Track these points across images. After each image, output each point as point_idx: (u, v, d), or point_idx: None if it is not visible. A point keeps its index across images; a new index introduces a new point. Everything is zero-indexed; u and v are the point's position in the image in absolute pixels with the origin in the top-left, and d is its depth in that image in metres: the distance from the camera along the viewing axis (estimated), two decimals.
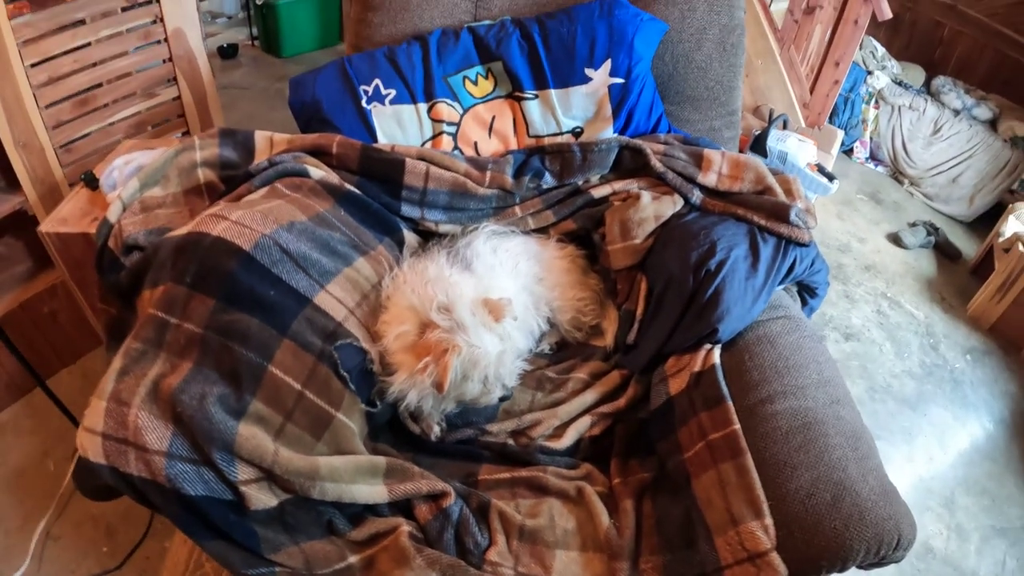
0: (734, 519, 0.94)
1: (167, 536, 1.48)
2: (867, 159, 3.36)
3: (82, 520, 1.51)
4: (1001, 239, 2.49)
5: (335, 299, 1.08)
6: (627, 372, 1.27)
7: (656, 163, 1.40)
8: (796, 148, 2.27)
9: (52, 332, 1.76)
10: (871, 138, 3.32)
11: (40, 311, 1.71)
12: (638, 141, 1.44)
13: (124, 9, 1.71)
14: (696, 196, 1.38)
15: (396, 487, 0.99)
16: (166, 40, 1.82)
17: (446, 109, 1.46)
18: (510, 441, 1.19)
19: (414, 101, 1.45)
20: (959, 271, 2.74)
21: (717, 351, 1.15)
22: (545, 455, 1.16)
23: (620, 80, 1.47)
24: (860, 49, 3.19)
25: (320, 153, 1.33)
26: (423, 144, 1.47)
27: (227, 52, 3.54)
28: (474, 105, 1.49)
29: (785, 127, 2.43)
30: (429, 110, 1.46)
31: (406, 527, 0.96)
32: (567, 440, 1.18)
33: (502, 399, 1.19)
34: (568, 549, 1.02)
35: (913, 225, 2.88)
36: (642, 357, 1.24)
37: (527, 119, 1.50)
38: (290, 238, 1.07)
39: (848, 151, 3.37)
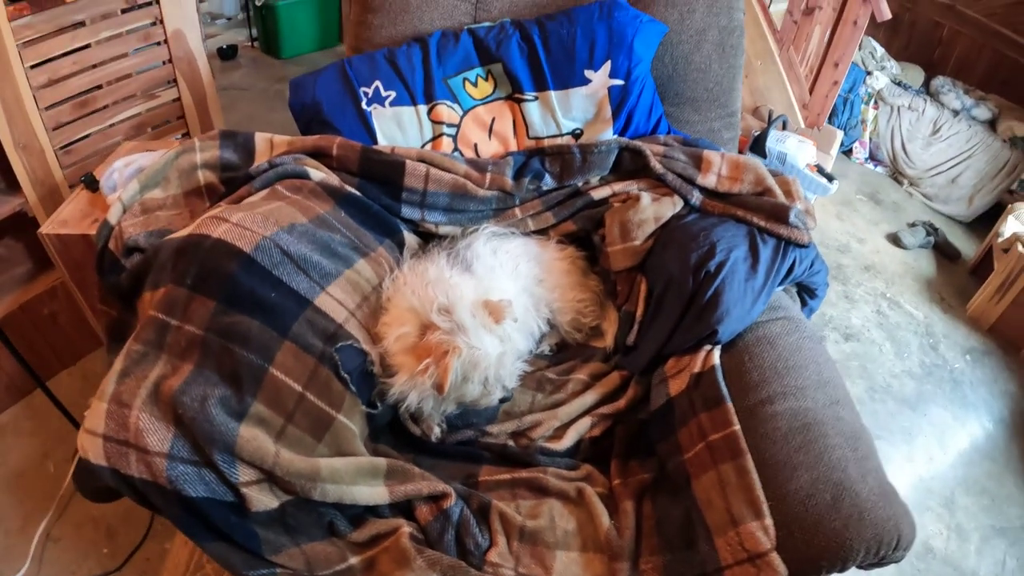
0: (734, 519, 0.94)
1: (167, 537, 1.48)
2: (866, 159, 3.37)
3: (82, 522, 1.51)
4: (1000, 239, 2.49)
5: (336, 301, 1.08)
6: (627, 373, 1.28)
7: (656, 164, 1.40)
8: (795, 149, 2.28)
9: (52, 334, 1.76)
10: (870, 138, 3.32)
11: (40, 313, 1.71)
12: (638, 143, 1.44)
13: (124, 11, 1.71)
14: (696, 197, 1.38)
15: (397, 488, 0.99)
16: (166, 42, 1.82)
17: (446, 111, 1.46)
18: (510, 442, 1.19)
19: (414, 103, 1.45)
20: (958, 271, 2.74)
21: (717, 352, 1.15)
22: (545, 456, 1.17)
23: (620, 82, 1.48)
24: (859, 50, 3.19)
25: (320, 155, 1.33)
26: (423, 146, 1.47)
27: (226, 53, 3.54)
28: (474, 107, 1.49)
29: (784, 128, 2.43)
30: (429, 112, 1.46)
31: (407, 528, 0.96)
32: (567, 441, 1.18)
33: (502, 400, 1.19)
34: (568, 550, 1.02)
35: (912, 225, 2.88)
36: (642, 358, 1.24)
37: (527, 121, 1.50)
38: (291, 240, 1.07)
39: (847, 151, 3.37)
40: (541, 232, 1.42)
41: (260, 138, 1.37)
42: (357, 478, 0.96)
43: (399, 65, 1.44)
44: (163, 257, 1.02)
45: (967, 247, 2.87)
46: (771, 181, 1.37)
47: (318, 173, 1.27)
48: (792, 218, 1.26)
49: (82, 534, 1.49)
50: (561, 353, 1.41)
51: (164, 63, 1.85)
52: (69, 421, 1.59)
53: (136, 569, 1.44)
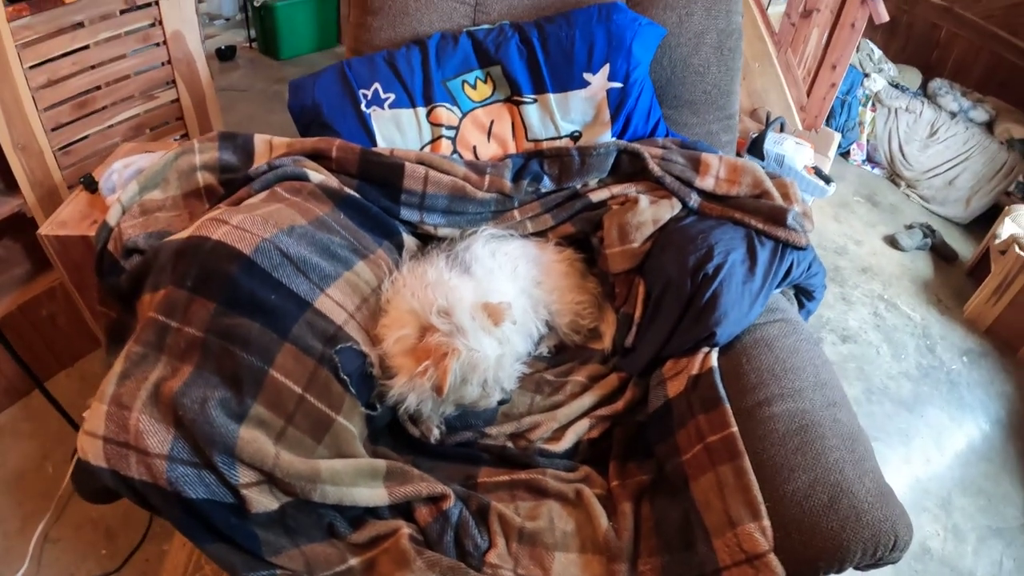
0: (732, 521, 0.95)
1: (166, 539, 1.48)
2: (864, 161, 3.38)
3: (81, 523, 1.51)
4: (997, 241, 2.50)
5: (335, 303, 1.08)
6: (625, 375, 1.28)
7: (654, 167, 1.41)
8: (793, 151, 2.28)
9: (51, 335, 1.76)
10: (868, 140, 3.33)
11: (39, 314, 1.71)
12: (636, 145, 1.44)
13: (123, 11, 1.71)
14: (694, 200, 1.39)
15: (396, 490, 0.99)
16: (165, 43, 1.82)
17: (445, 113, 1.47)
18: (509, 444, 1.19)
19: (413, 105, 1.45)
20: (955, 273, 2.75)
21: (715, 354, 1.16)
22: (544, 458, 1.17)
23: (618, 84, 1.48)
24: (857, 52, 3.20)
25: (320, 157, 1.34)
26: (422, 148, 1.48)
27: (225, 54, 3.54)
28: (473, 109, 1.50)
29: (782, 130, 2.44)
30: (428, 114, 1.47)
31: (406, 529, 0.97)
32: (566, 443, 1.19)
33: (501, 402, 1.19)
34: (567, 551, 1.02)
35: (910, 227, 2.89)
36: (640, 360, 1.25)
37: (526, 123, 1.50)
38: (290, 242, 1.07)
39: (845, 153, 3.38)
40: (540, 234, 1.43)
41: (259, 140, 1.37)
42: (357, 479, 0.97)
43: (398, 67, 1.45)
44: (163, 259, 1.03)
45: (964, 249, 2.88)
46: (769, 184, 1.37)
47: (317, 175, 1.27)
48: (790, 220, 1.27)
49: (81, 535, 1.49)
50: (559, 355, 1.41)
51: (163, 64, 1.86)
52: (68, 422, 1.59)
53: (135, 570, 1.44)
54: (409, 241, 1.36)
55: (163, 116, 1.92)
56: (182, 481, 0.83)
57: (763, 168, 1.42)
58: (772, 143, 2.30)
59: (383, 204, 1.33)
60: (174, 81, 1.90)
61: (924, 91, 3.27)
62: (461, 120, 1.49)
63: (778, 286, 1.27)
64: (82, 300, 1.64)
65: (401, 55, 1.46)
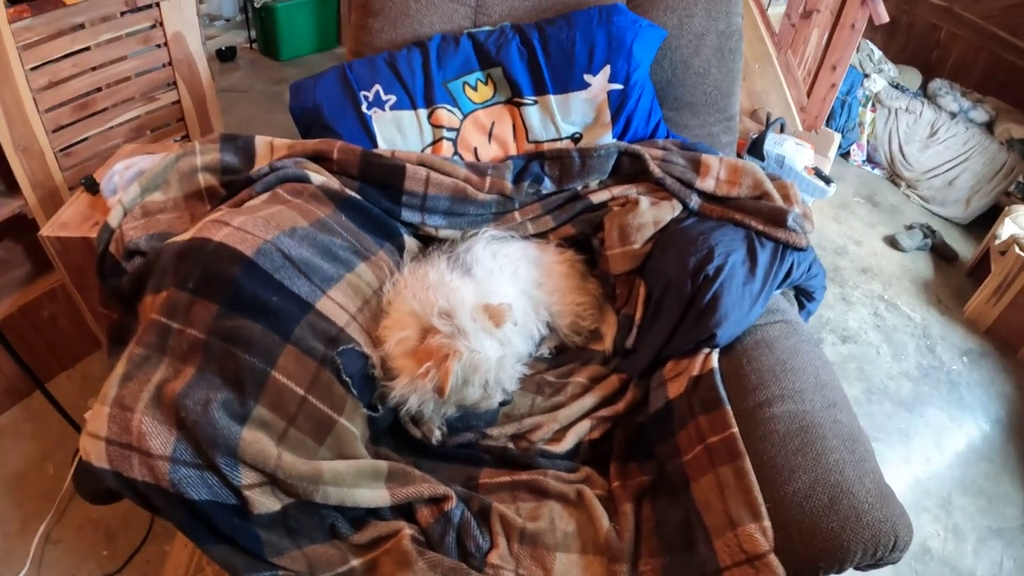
0: (732, 521, 0.95)
1: (167, 540, 1.48)
2: (864, 162, 3.38)
3: (82, 524, 1.51)
4: (997, 241, 2.51)
5: (337, 304, 1.09)
6: (626, 376, 1.28)
7: (655, 168, 1.41)
8: (793, 151, 2.29)
9: (51, 336, 1.76)
10: (868, 141, 3.34)
11: (40, 315, 1.71)
12: (637, 147, 1.45)
13: (124, 13, 1.72)
14: (694, 201, 1.39)
15: (398, 491, 1.00)
16: (166, 44, 1.82)
17: (446, 115, 1.47)
18: (510, 445, 1.19)
19: (414, 107, 1.46)
20: (956, 273, 2.76)
21: (715, 355, 1.16)
22: (545, 459, 1.17)
23: (619, 86, 1.48)
24: (857, 52, 3.20)
25: (321, 159, 1.34)
26: (423, 150, 1.48)
27: (225, 55, 3.55)
28: (474, 111, 1.50)
29: (782, 131, 2.44)
30: (429, 116, 1.47)
31: (408, 530, 0.97)
32: (567, 444, 1.19)
33: (502, 403, 1.20)
34: (569, 552, 1.02)
35: (910, 227, 2.89)
36: (641, 361, 1.25)
37: (526, 125, 1.51)
38: (292, 244, 1.07)
39: (845, 154, 3.38)
40: (540, 236, 1.43)
41: (260, 141, 1.37)
42: (359, 481, 0.97)
43: (399, 69, 1.45)
44: (164, 261, 1.03)
45: (964, 249, 2.88)
46: (769, 185, 1.38)
47: (319, 177, 1.28)
48: (790, 222, 1.27)
49: (82, 536, 1.49)
50: (560, 356, 1.41)
51: (164, 66, 1.86)
52: (69, 423, 1.59)
53: (136, 571, 1.44)
54: (410, 243, 1.36)
55: (164, 117, 1.92)
56: (185, 482, 0.83)
57: (763, 169, 1.42)
58: (772, 144, 2.31)
59: (384, 206, 1.33)
60: (175, 82, 1.90)
61: (924, 91, 3.28)
62: (462, 122, 1.49)
63: (778, 287, 1.28)
64: (83, 301, 1.64)
65: (402, 57, 1.46)
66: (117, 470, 0.83)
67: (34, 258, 1.76)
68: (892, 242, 2.84)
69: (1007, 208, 2.67)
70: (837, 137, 2.78)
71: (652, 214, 1.35)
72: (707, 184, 1.40)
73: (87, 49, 1.66)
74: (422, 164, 1.35)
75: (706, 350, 1.17)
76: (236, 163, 1.34)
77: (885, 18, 2.39)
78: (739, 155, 2.14)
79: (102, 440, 0.84)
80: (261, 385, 0.93)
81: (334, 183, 1.29)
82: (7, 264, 1.76)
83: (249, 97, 3.28)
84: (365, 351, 1.09)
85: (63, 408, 1.58)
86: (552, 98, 1.48)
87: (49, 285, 1.71)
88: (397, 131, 1.46)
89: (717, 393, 1.09)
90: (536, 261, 1.37)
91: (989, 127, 3.06)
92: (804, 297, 1.42)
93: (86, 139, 1.73)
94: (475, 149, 1.50)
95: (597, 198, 1.42)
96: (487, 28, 1.55)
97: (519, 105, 1.50)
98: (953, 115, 3.08)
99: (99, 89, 1.73)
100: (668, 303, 1.22)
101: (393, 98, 1.44)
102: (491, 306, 1.12)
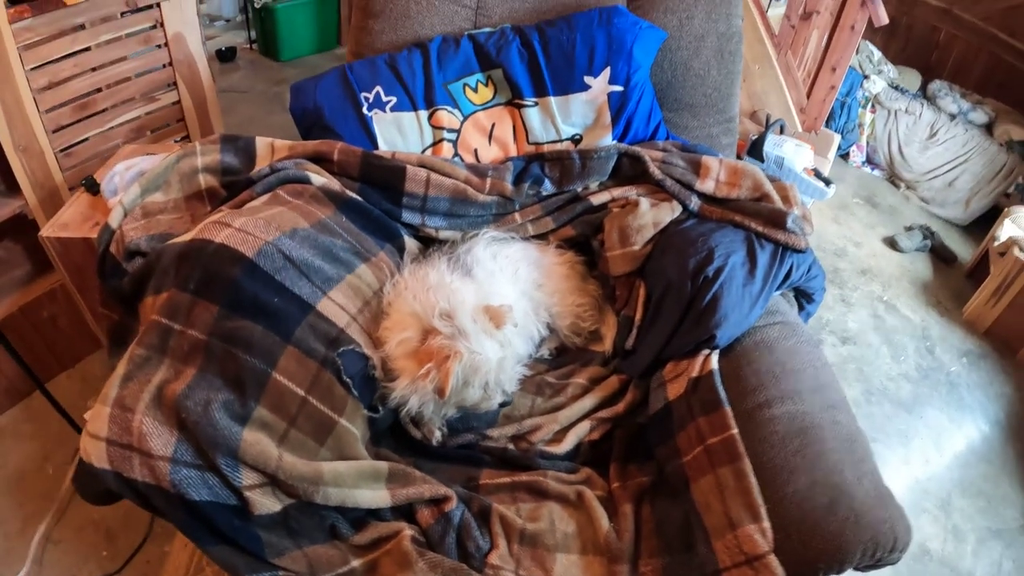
0: (732, 523, 0.95)
1: (167, 540, 1.48)
2: (863, 163, 3.38)
3: (82, 524, 1.51)
4: (997, 243, 2.51)
5: (337, 306, 1.09)
6: (626, 377, 1.28)
7: (654, 170, 1.41)
8: (793, 153, 2.29)
9: (52, 336, 1.76)
10: (868, 142, 3.34)
11: (40, 315, 1.71)
12: (637, 148, 1.45)
13: (124, 14, 1.72)
14: (694, 203, 1.39)
15: (398, 491, 1.00)
16: (166, 45, 1.82)
17: (446, 116, 1.47)
18: (510, 446, 1.20)
19: (415, 108, 1.46)
20: (955, 275, 2.76)
21: (715, 356, 1.16)
22: (545, 460, 1.17)
23: (619, 88, 1.48)
24: (856, 53, 3.20)
25: (321, 160, 1.34)
26: (424, 151, 1.48)
27: (225, 55, 3.55)
28: (474, 112, 1.50)
29: (782, 132, 2.45)
30: (430, 117, 1.47)
31: (408, 531, 0.97)
32: (567, 445, 1.19)
33: (502, 404, 1.20)
34: (568, 552, 1.03)
35: (909, 229, 2.90)
36: (641, 362, 1.25)
37: (527, 126, 1.51)
38: (293, 245, 1.08)
39: (845, 155, 3.38)
40: (541, 237, 1.43)
41: (261, 142, 1.37)
42: (359, 481, 0.97)
43: (400, 70, 1.45)
44: (165, 262, 1.03)
45: (964, 250, 2.88)
46: (769, 187, 1.38)
47: (319, 178, 1.28)
48: (790, 223, 1.27)
49: (82, 537, 1.49)
50: (560, 357, 1.42)
51: (164, 66, 1.86)
52: (69, 424, 1.59)
53: (136, 572, 1.44)
54: (411, 244, 1.37)
55: (164, 118, 1.92)
56: (185, 483, 0.84)
57: (763, 170, 1.42)
58: (772, 145, 2.31)
59: (385, 207, 1.33)
60: (175, 83, 1.90)
61: (924, 93, 3.28)
62: (462, 123, 1.49)
63: (778, 289, 1.28)
64: (83, 302, 1.64)
65: (402, 58, 1.47)
66: (118, 471, 0.84)
67: (34, 258, 1.76)
68: (891, 243, 2.84)
69: (1006, 209, 2.67)
70: (837, 138, 2.78)
71: (652, 216, 1.35)
72: (707, 186, 1.40)
73: (87, 49, 1.66)
74: (422, 165, 1.35)
75: (706, 351, 1.17)
76: (237, 164, 1.34)
77: (885, 20, 2.39)
78: (739, 156, 2.14)
79: (103, 440, 0.84)
80: (262, 386, 0.93)
81: (335, 184, 1.29)
82: (7, 264, 1.76)
83: (249, 98, 3.28)
84: (366, 352, 1.09)
85: (63, 408, 1.58)
86: (552, 100, 1.49)
87: (49, 285, 1.71)
88: (398, 132, 1.46)
89: (717, 394, 1.09)
90: (536, 262, 1.37)
91: (988, 128, 3.06)
92: (804, 298, 1.42)
93: (86, 139, 1.73)
94: (475, 150, 1.50)
95: (597, 200, 1.42)
96: (487, 29, 1.55)
97: (519, 107, 1.50)
98: (953, 116, 3.08)
99: (99, 89, 1.73)
100: (668, 304, 1.22)
101: (394, 99, 1.45)
102: (491, 307, 1.12)
